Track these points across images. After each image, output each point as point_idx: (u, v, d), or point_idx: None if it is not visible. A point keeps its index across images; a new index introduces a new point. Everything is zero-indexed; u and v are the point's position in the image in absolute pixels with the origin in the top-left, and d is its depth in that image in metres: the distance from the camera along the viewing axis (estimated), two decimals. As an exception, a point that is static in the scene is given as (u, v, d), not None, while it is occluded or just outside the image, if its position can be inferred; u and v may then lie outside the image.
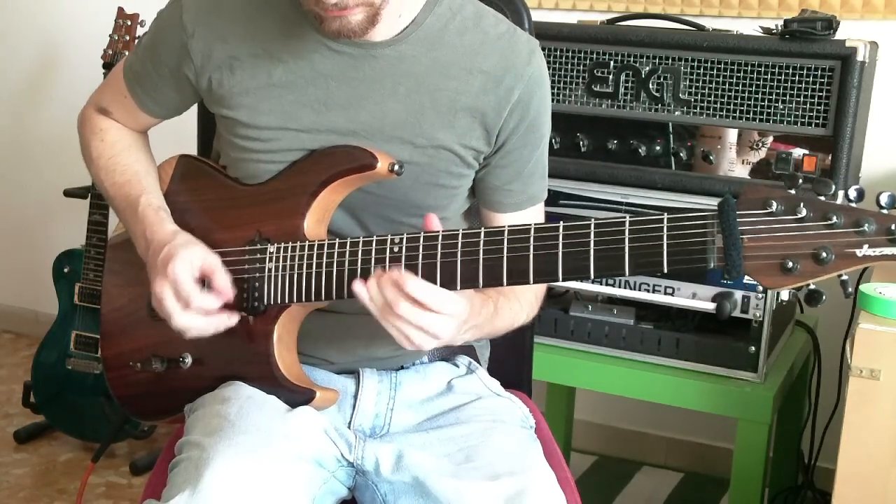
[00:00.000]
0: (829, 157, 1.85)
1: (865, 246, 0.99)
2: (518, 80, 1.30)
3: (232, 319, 1.28)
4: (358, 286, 1.17)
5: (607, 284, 1.99)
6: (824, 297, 1.05)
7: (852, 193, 1.01)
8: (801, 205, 1.01)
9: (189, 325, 1.26)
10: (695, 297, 1.92)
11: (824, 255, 1.00)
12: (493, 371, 1.47)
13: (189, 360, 1.35)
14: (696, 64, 1.91)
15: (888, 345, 1.56)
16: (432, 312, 1.14)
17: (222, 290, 1.26)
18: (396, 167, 1.26)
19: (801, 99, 1.86)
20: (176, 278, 1.24)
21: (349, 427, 1.34)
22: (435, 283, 1.17)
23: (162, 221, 1.33)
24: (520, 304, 1.35)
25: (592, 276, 1.10)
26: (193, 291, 1.25)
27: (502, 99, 1.30)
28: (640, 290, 1.97)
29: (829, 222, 1.00)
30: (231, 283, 1.27)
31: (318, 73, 1.28)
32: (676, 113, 1.94)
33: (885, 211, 1.00)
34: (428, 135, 1.29)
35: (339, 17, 1.18)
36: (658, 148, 1.97)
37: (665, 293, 1.95)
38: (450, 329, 1.16)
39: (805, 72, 1.85)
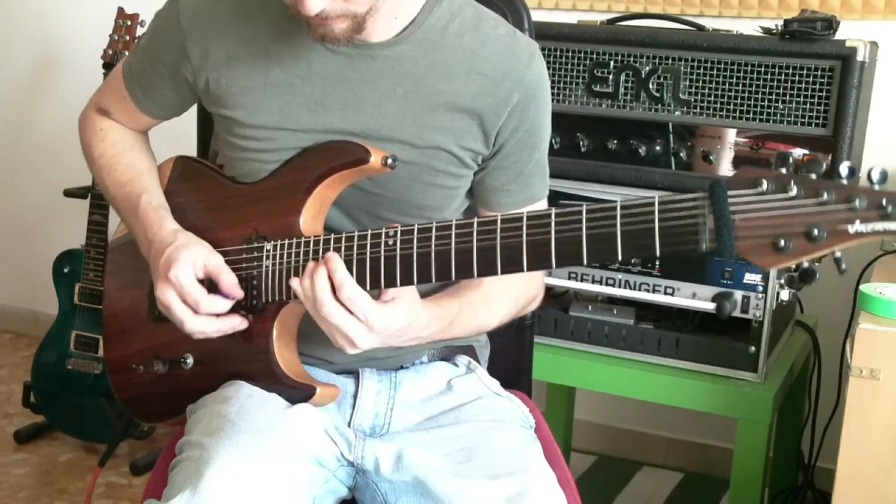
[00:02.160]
0: (829, 158, 1.85)
1: (857, 222, 0.98)
2: (518, 84, 1.30)
3: (243, 323, 1.28)
4: (294, 282, 1.21)
5: (607, 284, 1.99)
6: (818, 276, 1.04)
7: (843, 170, 1.01)
8: (792, 183, 1.01)
9: (202, 329, 1.26)
10: (695, 297, 1.92)
11: (816, 232, 0.99)
12: (492, 371, 1.47)
13: (190, 360, 1.35)
14: (696, 64, 1.91)
15: (888, 345, 1.56)
16: (357, 321, 1.17)
17: (230, 291, 1.26)
18: (390, 161, 1.25)
19: (801, 99, 1.86)
20: (181, 284, 1.24)
21: (349, 426, 1.34)
22: (430, 274, 1.17)
23: (162, 220, 1.33)
24: (490, 314, 1.34)
25: (585, 262, 1.10)
26: (201, 296, 1.25)
27: (501, 102, 1.30)
28: (640, 290, 1.97)
29: (820, 199, 0.99)
30: (237, 282, 1.27)
31: (315, 73, 1.28)
32: (676, 113, 1.94)
33: (876, 187, 1.00)
34: (426, 136, 1.29)
35: (323, 25, 1.19)
36: (658, 148, 1.97)
37: (665, 293, 1.95)
38: (369, 340, 1.19)
39: (805, 72, 1.85)
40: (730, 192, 1.03)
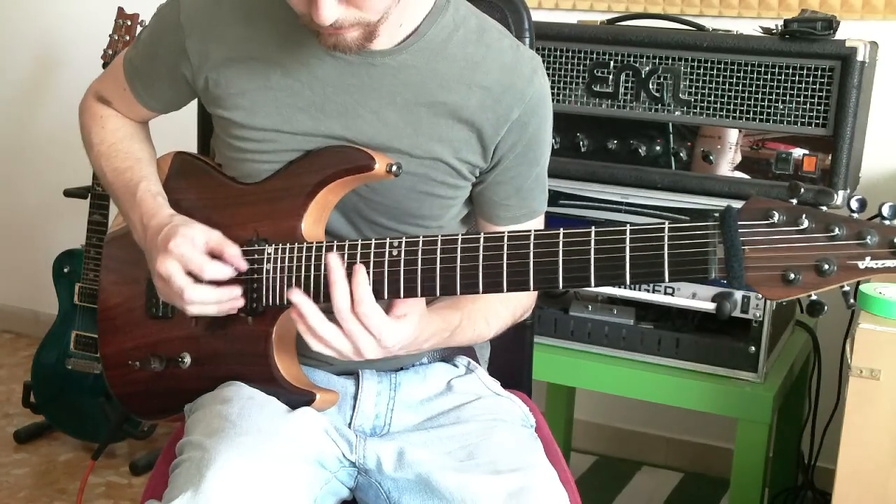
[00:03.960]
0: (829, 157, 1.85)
1: (868, 258, 0.98)
2: (518, 100, 1.29)
3: (239, 295, 1.26)
4: (294, 295, 1.19)
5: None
6: (826, 309, 1.04)
7: (854, 204, 1.00)
8: (804, 216, 1.01)
9: (203, 298, 1.25)
10: (695, 297, 1.92)
11: (826, 266, 0.99)
12: (492, 371, 1.47)
13: (188, 360, 1.35)
14: (696, 64, 1.91)
15: (888, 345, 1.56)
16: (369, 335, 1.16)
17: (234, 262, 1.25)
18: (394, 168, 1.25)
19: (801, 99, 1.86)
20: (182, 252, 1.23)
21: (350, 427, 1.34)
22: (434, 287, 1.17)
23: (160, 207, 1.33)
24: (488, 325, 1.35)
25: (593, 285, 1.10)
26: (204, 261, 1.24)
27: (501, 117, 1.29)
28: (640, 290, 1.97)
29: (832, 234, 1.00)
30: (240, 254, 1.26)
31: (315, 78, 1.28)
32: (676, 113, 1.94)
33: (887, 222, 0.99)
34: (424, 146, 1.28)
35: (335, 35, 1.18)
36: (658, 148, 1.97)
37: (665, 293, 1.95)
38: (375, 353, 1.19)
39: (805, 72, 1.85)
40: (741, 222, 1.03)
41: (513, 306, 1.38)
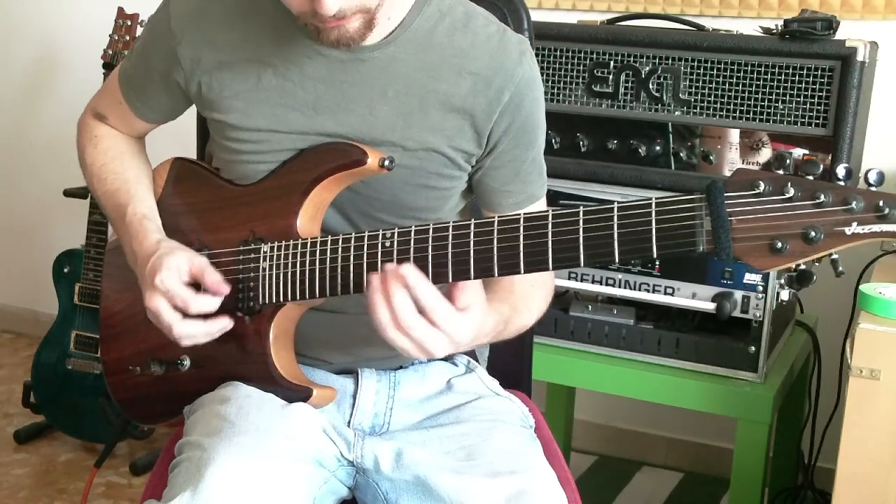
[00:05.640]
0: (829, 157, 1.85)
1: (854, 224, 0.98)
2: (508, 82, 1.29)
3: (229, 323, 1.28)
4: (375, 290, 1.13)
5: (607, 284, 1.99)
6: (815, 278, 1.04)
7: (841, 172, 1.01)
8: (789, 184, 1.01)
9: (191, 333, 1.26)
10: (695, 297, 1.92)
11: (813, 234, 0.99)
12: (492, 371, 1.47)
13: (187, 362, 1.35)
14: (696, 64, 1.91)
15: (888, 345, 1.56)
16: (441, 333, 1.13)
17: (215, 288, 1.26)
18: (387, 162, 1.25)
19: (801, 99, 1.86)
20: (168, 288, 1.24)
21: (349, 426, 1.34)
22: (427, 277, 1.16)
23: (146, 232, 1.33)
24: (531, 313, 1.34)
25: (583, 264, 1.10)
26: (189, 296, 1.25)
27: (492, 101, 1.29)
28: (640, 290, 1.97)
29: (817, 201, 0.99)
30: (222, 279, 1.27)
31: (307, 76, 1.28)
32: (676, 113, 1.94)
33: (873, 188, 1.00)
34: (417, 137, 1.29)
35: (338, 27, 1.17)
36: (658, 148, 1.97)
37: (665, 293, 1.95)
38: (446, 349, 1.15)
39: (805, 72, 1.85)
40: (727, 194, 1.03)
41: (546, 290, 1.37)
